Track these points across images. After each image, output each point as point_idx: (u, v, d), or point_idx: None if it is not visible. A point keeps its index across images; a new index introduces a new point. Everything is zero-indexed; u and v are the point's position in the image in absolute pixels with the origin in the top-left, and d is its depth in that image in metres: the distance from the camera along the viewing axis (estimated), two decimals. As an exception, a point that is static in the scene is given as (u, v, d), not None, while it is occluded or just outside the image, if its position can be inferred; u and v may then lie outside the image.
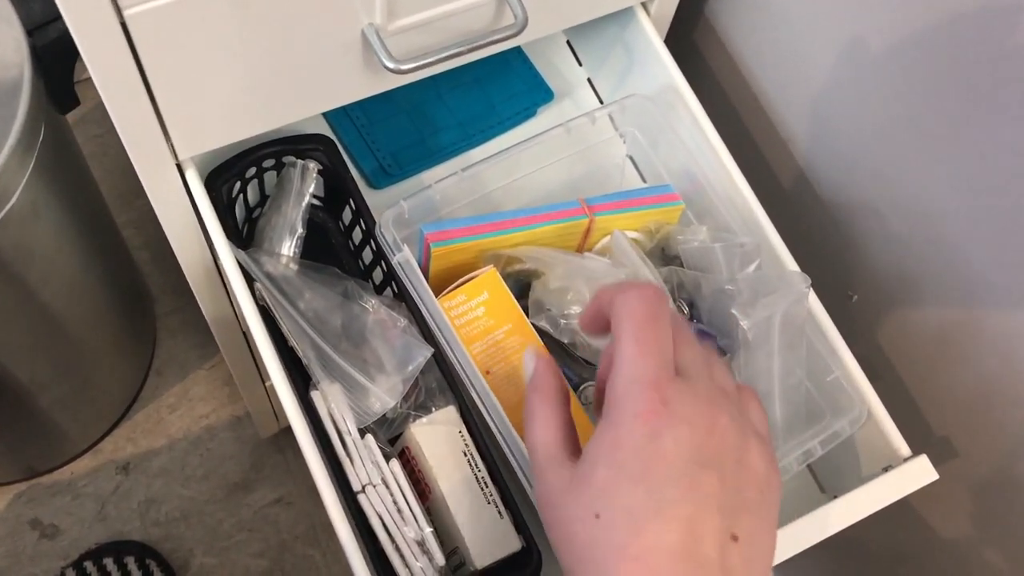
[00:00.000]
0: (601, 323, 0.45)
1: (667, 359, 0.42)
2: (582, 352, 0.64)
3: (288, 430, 1.24)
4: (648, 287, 0.43)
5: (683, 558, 0.38)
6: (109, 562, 1.14)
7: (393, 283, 0.67)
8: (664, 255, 0.70)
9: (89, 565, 1.14)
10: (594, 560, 0.39)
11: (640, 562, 0.38)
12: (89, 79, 0.52)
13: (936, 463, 0.64)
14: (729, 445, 0.41)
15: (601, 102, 0.82)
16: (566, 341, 0.63)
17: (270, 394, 1.06)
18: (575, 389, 0.64)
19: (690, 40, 0.83)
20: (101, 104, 0.54)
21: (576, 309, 0.62)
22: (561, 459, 0.43)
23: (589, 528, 0.39)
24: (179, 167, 0.62)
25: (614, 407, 0.41)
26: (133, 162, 0.59)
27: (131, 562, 1.15)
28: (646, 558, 0.38)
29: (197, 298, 0.77)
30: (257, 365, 0.96)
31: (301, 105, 0.62)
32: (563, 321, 0.62)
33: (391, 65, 0.57)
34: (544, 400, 0.46)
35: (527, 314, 0.63)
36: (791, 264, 0.67)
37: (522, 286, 0.65)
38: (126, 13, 0.48)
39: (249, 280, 0.63)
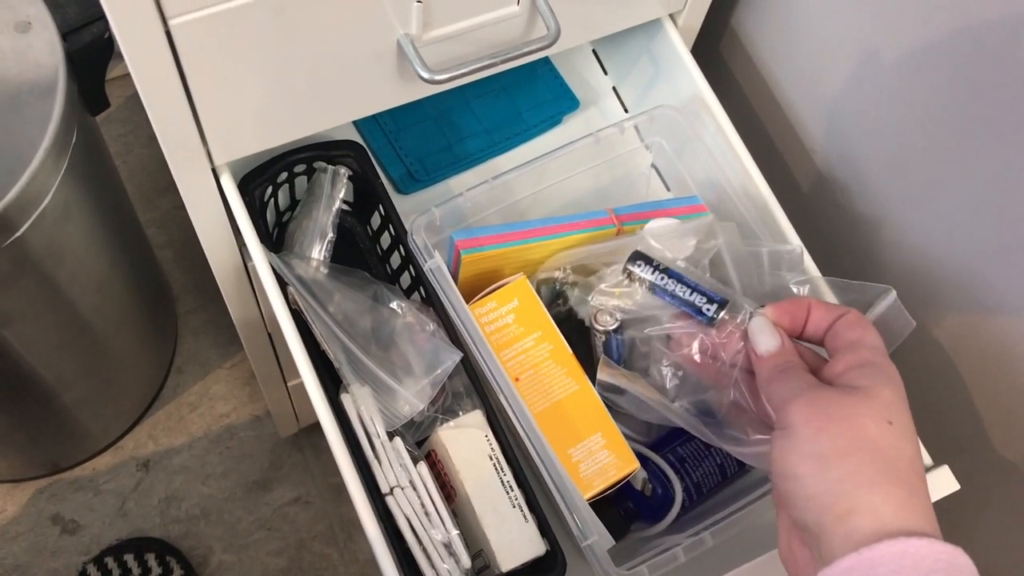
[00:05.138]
0: (799, 321, 0.54)
1: None
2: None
3: (307, 430, 1.26)
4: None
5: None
6: (130, 558, 1.16)
7: (421, 288, 0.68)
8: (694, 261, 0.70)
9: (110, 561, 1.15)
10: (885, 452, 0.46)
11: (918, 491, 0.47)
12: (114, 79, 0.53)
13: (958, 473, 0.64)
14: None
15: (626, 111, 0.83)
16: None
17: (291, 394, 1.07)
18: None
19: (716, 50, 0.84)
20: (125, 104, 0.55)
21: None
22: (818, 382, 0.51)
23: (882, 430, 0.47)
24: (214, 171, 0.63)
25: (880, 360, 0.51)
26: (170, 166, 0.60)
27: (151, 559, 1.16)
28: (920, 487, 0.47)
29: (225, 299, 0.78)
30: (280, 366, 0.97)
31: (336, 113, 0.63)
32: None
33: (426, 75, 0.58)
34: (780, 365, 0.53)
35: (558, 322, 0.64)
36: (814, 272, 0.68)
37: (554, 294, 0.66)
38: (171, 23, 0.49)
39: (281, 283, 0.64)
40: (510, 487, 0.61)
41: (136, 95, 0.54)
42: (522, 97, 0.81)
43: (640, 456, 0.64)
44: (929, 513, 0.46)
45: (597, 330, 0.63)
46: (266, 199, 0.70)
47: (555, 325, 0.63)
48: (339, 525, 1.25)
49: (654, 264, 0.60)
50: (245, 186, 0.67)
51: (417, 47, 0.58)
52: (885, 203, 0.72)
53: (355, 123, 0.79)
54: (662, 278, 0.59)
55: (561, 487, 0.58)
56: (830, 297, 0.63)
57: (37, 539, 1.20)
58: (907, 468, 0.47)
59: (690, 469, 0.66)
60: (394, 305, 0.65)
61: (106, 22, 0.48)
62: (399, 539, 0.59)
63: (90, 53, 0.80)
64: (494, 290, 0.63)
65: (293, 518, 1.24)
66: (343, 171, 0.70)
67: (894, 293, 0.58)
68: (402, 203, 0.77)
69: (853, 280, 0.61)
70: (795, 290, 0.61)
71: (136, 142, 1.38)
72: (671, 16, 0.74)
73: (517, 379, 0.61)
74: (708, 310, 0.58)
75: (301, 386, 0.62)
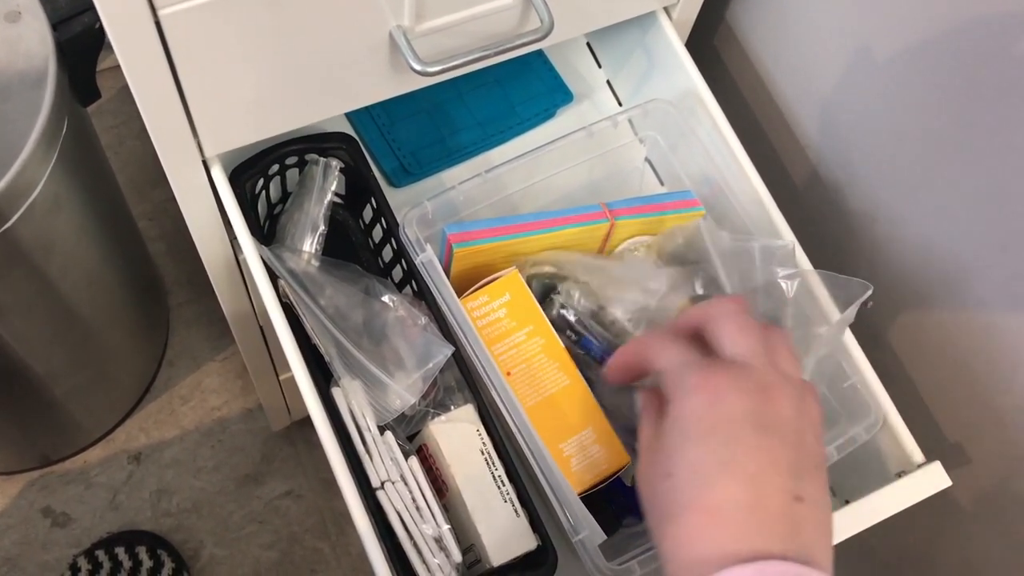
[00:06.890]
0: (632, 372, 0.50)
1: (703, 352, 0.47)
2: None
3: (299, 424, 1.25)
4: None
5: (751, 511, 0.40)
6: (121, 551, 1.15)
7: (413, 281, 0.68)
8: (684, 259, 0.70)
9: (101, 554, 1.15)
10: (671, 515, 0.42)
11: (710, 514, 0.41)
12: (106, 70, 0.53)
13: (949, 469, 0.64)
14: (787, 417, 0.44)
15: (620, 104, 0.82)
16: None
17: (283, 388, 1.07)
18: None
19: (710, 45, 0.84)
20: (117, 95, 0.54)
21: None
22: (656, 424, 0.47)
23: (664, 486, 0.43)
24: (205, 164, 0.63)
25: (674, 389, 0.45)
26: (161, 158, 0.60)
27: (142, 551, 1.16)
28: (716, 510, 0.41)
29: (216, 292, 0.77)
30: (272, 359, 0.96)
31: (328, 104, 0.62)
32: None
33: (418, 67, 0.58)
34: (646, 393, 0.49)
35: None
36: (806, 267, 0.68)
37: (545, 289, 0.66)
38: (161, 13, 0.49)
39: (272, 276, 0.63)
40: (501, 482, 0.61)
41: (128, 86, 0.54)
42: (515, 90, 0.81)
43: (631, 451, 0.63)
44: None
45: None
46: (257, 191, 0.70)
47: (547, 319, 0.63)
48: (331, 519, 1.25)
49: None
50: (236, 178, 0.66)
51: (410, 39, 0.58)
52: (878, 198, 0.72)
53: (347, 115, 0.78)
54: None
55: (552, 482, 0.58)
56: (820, 290, 0.63)
57: (28, 532, 1.20)
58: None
59: (682, 464, 0.66)
60: (386, 299, 0.64)
61: (96, 12, 0.48)
62: (390, 533, 0.58)
63: (81, 43, 0.79)
64: (486, 284, 0.63)
65: (285, 512, 1.24)
66: (335, 163, 0.70)
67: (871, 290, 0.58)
68: (394, 196, 0.76)
69: (842, 275, 0.61)
70: (783, 284, 0.60)
71: (128, 133, 1.37)
72: (666, 9, 0.74)
73: (509, 373, 0.61)
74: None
75: (293, 379, 0.61)
